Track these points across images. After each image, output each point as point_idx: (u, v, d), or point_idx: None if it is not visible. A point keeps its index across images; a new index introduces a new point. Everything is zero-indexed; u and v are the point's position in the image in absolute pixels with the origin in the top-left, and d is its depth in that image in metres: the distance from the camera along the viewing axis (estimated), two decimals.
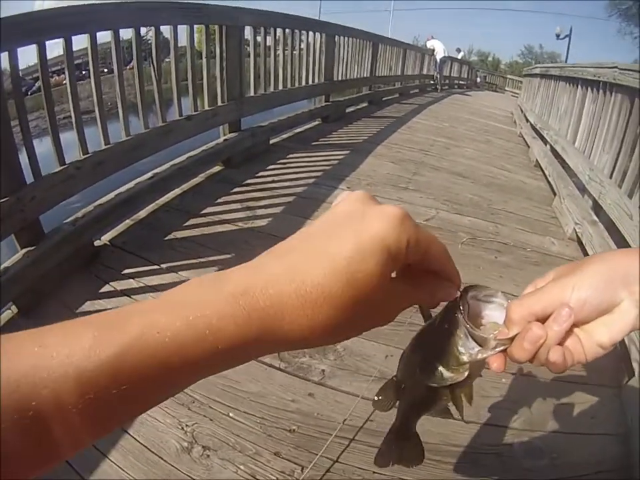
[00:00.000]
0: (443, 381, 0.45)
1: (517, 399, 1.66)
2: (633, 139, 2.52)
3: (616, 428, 1.58)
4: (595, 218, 2.80)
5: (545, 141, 5.12)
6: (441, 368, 0.44)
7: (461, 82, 18.46)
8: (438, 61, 13.46)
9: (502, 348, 0.43)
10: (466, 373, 0.44)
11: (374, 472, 1.35)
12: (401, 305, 0.38)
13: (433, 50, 13.47)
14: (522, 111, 8.11)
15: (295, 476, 1.33)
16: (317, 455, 1.39)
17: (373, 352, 1.81)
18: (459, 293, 0.42)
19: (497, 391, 1.68)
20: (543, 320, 0.44)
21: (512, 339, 0.43)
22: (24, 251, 2.03)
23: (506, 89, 21.56)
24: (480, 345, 0.43)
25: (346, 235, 0.32)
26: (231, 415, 1.51)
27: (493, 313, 0.44)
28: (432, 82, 13.84)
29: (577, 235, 2.90)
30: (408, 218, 0.34)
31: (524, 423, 1.56)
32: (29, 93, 7.74)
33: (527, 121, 6.99)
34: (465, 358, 0.43)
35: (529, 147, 5.82)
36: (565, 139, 4.14)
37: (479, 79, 22.94)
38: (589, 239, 2.64)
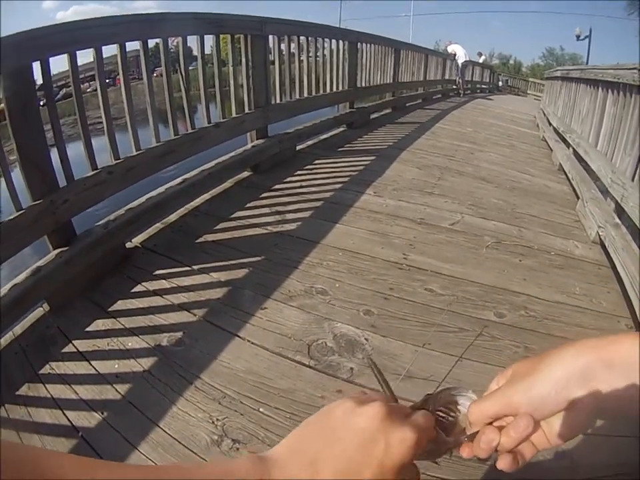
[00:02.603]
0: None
1: None
2: None
3: (637, 430, 1.60)
4: (618, 221, 2.79)
5: (568, 144, 5.08)
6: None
7: (483, 86, 18.35)
8: (460, 65, 13.42)
9: (462, 443, 0.51)
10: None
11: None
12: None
13: (455, 54, 13.44)
14: (544, 114, 8.05)
15: None
16: None
17: (400, 351, 1.85)
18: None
19: None
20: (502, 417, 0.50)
21: (472, 436, 0.50)
22: (56, 251, 2.12)
23: (528, 92, 21.34)
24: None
25: (371, 462, 0.41)
26: (261, 410, 1.55)
27: (466, 403, 0.53)
28: (454, 87, 13.82)
29: (600, 238, 2.89)
30: (420, 442, 0.44)
31: None
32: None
33: (550, 124, 6.93)
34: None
35: (552, 150, 5.78)
36: (587, 142, 4.12)
37: (500, 83, 22.78)
38: (611, 241, 2.64)
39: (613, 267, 2.55)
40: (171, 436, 1.45)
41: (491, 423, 0.50)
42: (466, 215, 3.30)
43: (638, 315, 2.02)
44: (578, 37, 27.76)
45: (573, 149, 4.73)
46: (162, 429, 1.47)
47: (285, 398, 1.60)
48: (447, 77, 12.81)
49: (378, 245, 2.72)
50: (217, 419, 1.51)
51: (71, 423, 1.50)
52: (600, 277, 2.56)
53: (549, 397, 0.45)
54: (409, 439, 0.42)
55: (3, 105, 1.85)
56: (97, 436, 1.46)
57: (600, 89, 3.91)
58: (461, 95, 13.50)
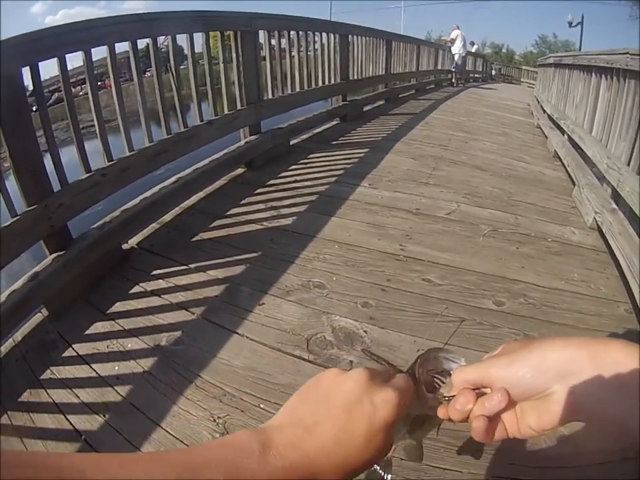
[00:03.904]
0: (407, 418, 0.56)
1: None
2: None
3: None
4: (615, 206, 2.79)
5: (563, 131, 5.08)
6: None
7: (476, 75, 18.34)
8: (454, 56, 13.37)
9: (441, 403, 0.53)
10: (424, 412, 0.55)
11: (401, 459, 1.39)
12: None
13: (453, 40, 13.37)
14: (538, 101, 8.05)
15: None
16: None
17: (400, 342, 1.85)
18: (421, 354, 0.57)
19: None
20: (481, 387, 0.50)
21: (451, 398, 0.51)
22: (53, 255, 2.11)
23: (522, 80, 21.32)
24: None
25: (361, 421, 0.44)
26: (262, 406, 1.55)
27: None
28: (449, 76, 13.81)
29: (597, 224, 2.89)
30: (402, 402, 0.47)
31: None
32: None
33: (544, 111, 6.93)
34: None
35: (546, 137, 5.79)
36: (581, 128, 4.11)
37: (494, 72, 22.77)
38: (609, 227, 2.63)
39: (611, 253, 2.55)
40: (173, 435, 1.45)
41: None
42: (462, 204, 3.29)
43: (637, 300, 2.02)
44: (570, 23, 27.76)
45: (568, 135, 4.72)
46: (163, 428, 1.47)
47: (286, 393, 1.59)
48: (439, 67, 12.79)
49: (374, 237, 2.71)
50: (218, 417, 1.51)
51: (74, 427, 1.50)
52: (598, 263, 2.56)
53: (523, 378, 0.46)
54: (392, 399, 0.45)
55: None
56: (100, 438, 1.46)
57: (593, 74, 3.90)
58: (454, 85, 13.45)
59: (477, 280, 2.30)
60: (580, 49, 21.89)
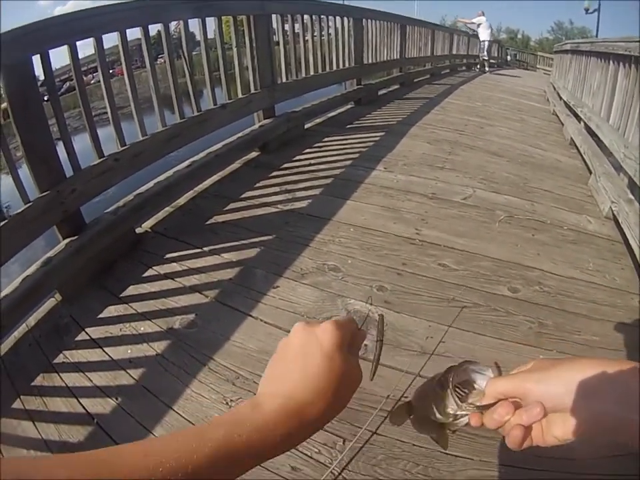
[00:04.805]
0: (436, 419, 0.61)
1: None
2: None
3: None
4: (631, 196, 2.76)
5: (579, 119, 5.01)
6: (435, 410, 0.60)
7: (491, 61, 18.07)
8: (484, 43, 13.39)
9: (473, 411, 0.56)
10: (450, 419, 0.59)
11: (413, 444, 1.39)
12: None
13: (479, 25, 13.37)
14: (554, 88, 7.93)
15: (337, 448, 1.38)
16: (358, 427, 1.43)
17: (414, 327, 1.86)
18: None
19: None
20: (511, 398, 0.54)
21: (485, 407, 0.55)
22: (66, 240, 2.12)
23: (537, 66, 20.97)
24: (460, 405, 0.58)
25: (314, 354, 0.52)
26: None
27: (482, 383, 0.58)
28: (477, 61, 14.02)
29: (613, 214, 2.86)
30: (339, 324, 0.55)
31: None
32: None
33: (560, 98, 6.82)
34: (449, 410, 0.58)
35: (563, 124, 5.70)
36: (598, 116, 4.04)
37: (509, 57, 22.45)
38: (625, 217, 2.60)
39: (626, 243, 2.53)
40: (185, 419, 1.47)
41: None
42: (478, 189, 3.27)
43: None
44: (587, 10, 27.20)
45: (584, 123, 4.66)
46: (176, 412, 1.49)
47: None
48: (454, 51, 12.64)
49: (390, 221, 2.71)
50: (231, 400, 1.53)
51: (86, 410, 1.53)
52: (613, 253, 2.54)
53: (557, 394, 0.49)
54: (328, 327, 0.53)
55: (5, 104, 1.84)
56: (112, 422, 1.48)
57: (611, 62, 3.83)
58: (486, 71, 13.50)
59: (492, 266, 2.30)
60: (597, 36, 21.55)
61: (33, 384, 1.64)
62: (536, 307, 2.01)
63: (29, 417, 1.51)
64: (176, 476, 0.35)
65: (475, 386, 0.58)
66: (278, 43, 4.21)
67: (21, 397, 1.59)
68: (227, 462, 0.40)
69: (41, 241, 2.04)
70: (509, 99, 8.14)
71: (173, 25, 2.98)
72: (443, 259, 2.34)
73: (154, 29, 2.73)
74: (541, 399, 0.50)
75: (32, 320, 1.94)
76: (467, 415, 0.57)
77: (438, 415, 0.60)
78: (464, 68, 13.92)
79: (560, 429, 0.50)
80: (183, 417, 1.47)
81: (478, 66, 13.96)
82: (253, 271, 2.21)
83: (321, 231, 2.54)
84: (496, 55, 18.81)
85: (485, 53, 13.58)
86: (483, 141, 4.66)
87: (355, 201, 2.96)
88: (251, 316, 1.91)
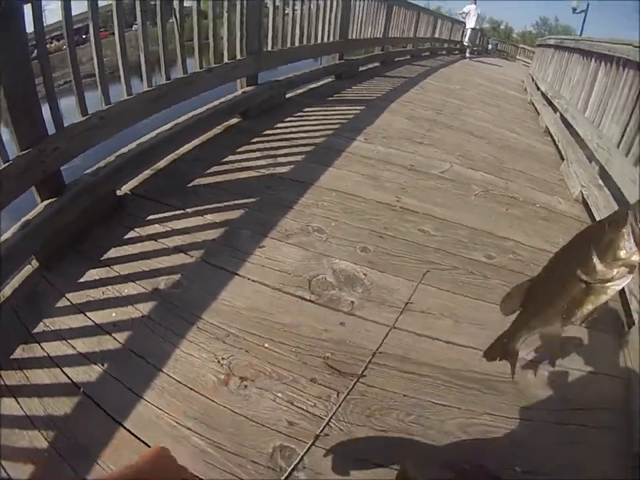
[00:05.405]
0: (591, 275, 0.50)
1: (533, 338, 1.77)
2: None
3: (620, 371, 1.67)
4: (601, 182, 2.92)
5: (555, 109, 5.16)
6: (596, 260, 0.50)
7: (473, 48, 18.20)
8: (468, 31, 13.79)
9: None
10: (615, 272, 0.49)
11: (404, 395, 1.46)
12: None
13: (468, 13, 13.65)
14: (533, 79, 8.07)
15: (332, 401, 1.41)
16: (350, 379, 1.48)
17: (398, 286, 1.93)
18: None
19: None
20: None
21: None
22: (45, 202, 1.99)
23: (517, 57, 21.13)
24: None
25: None
26: (266, 345, 1.57)
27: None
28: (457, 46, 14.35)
29: (583, 197, 3.02)
30: None
31: (538, 357, 1.63)
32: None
33: (538, 89, 6.98)
34: (622, 254, 0.48)
35: (539, 114, 5.86)
36: (575, 108, 4.20)
37: (490, 46, 22.68)
38: (594, 200, 2.76)
39: None
40: (176, 380, 1.44)
41: None
42: (455, 164, 3.37)
43: None
44: (574, 9, 27.36)
45: (560, 113, 4.81)
46: (166, 373, 1.46)
47: (289, 332, 1.64)
48: (436, 35, 12.67)
49: (371, 188, 2.77)
50: (223, 358, 1.52)
51: (71, 380, 1.45)
52: None
53: None
54: None
55: None
56: (100, 389, 1.42)
57: (593, 60, 3.96)
58: (467, 57, 13.89)
59: (468, 234, 2.39)
60: (580, 36, 21.80)
61: (12, 357, 1.54)
62: (511, 273, 2.11)
63: (10, 393, 1.41)
64: None
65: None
66: (267, 12, 4.17)
67: (0, 372, 1.48)
68: None
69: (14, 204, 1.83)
70: (488, 85, 8.29)
71: None
72: (423, 225, 2.42)
73: None
74: None
75: (8, 289, 1.81)
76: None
77: (599, 266, 0.50)
78: (444, 52, 13.97)
79: None
80: (174, 378, 1.45)
81: (458, 50, 14.15)
82: (238, 232, 2.21)
83: (304, 195, 2.58)
84: (477, 42, 18.94)
85: (467, 39, 13.91)
86: (460, 121, 4.76)
87: (337, 168, 3.00)
88: (237, 274, 1.91)
